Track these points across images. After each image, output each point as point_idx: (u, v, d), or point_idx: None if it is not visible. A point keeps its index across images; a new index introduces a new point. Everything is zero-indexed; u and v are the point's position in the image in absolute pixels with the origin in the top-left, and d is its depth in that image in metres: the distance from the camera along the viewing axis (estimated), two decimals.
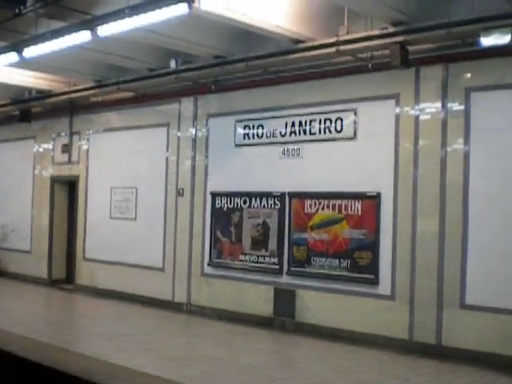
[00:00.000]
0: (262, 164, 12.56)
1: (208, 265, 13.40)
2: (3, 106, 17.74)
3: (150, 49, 12.75)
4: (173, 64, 12.87)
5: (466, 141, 9.95)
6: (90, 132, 16.50)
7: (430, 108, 10.35)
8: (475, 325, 9.69)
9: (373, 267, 10.88)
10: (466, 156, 9.95)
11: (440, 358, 9.80)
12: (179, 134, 14.17)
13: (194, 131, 13.87)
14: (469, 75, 9.97)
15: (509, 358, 9.24)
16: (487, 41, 9.10)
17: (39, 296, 16.25)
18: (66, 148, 17.13)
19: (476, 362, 9.41)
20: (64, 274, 17.57)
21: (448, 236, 10.06)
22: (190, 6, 8.77)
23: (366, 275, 10.98)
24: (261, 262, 12.46)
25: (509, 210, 9.52)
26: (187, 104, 13.99)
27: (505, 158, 9.59)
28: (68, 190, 17.61)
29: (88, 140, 16.57)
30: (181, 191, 14.01)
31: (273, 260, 12.27)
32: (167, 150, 14.41)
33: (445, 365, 9.49)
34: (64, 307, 15.14)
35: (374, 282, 10.86)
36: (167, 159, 14.38)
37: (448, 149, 10.13)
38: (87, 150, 16.59)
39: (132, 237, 15.12)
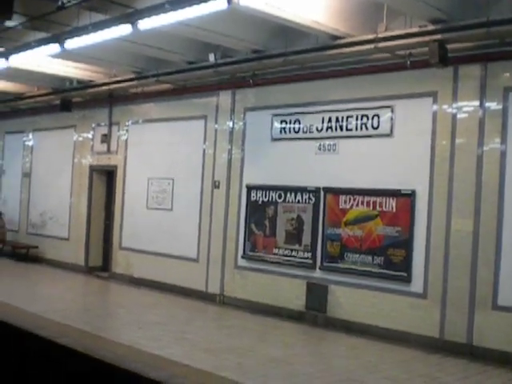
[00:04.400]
0: (297, 159, 12.61)
1: (242, 257, 13.51)
2: (45, 95, 18.06)
3: (189, 42, 12.85)
4: (212, 58, 12.97)
5: (503, 140, 9.88)
6: (129, 123, 16.71)
7: (468, 107, 10.30)
8: (507, 326, 9.63)
9: (406, 265, 10.88)
10: (503, 155, 9.88)
11: (470, 357, 9.78)
12: (216, 126, 14.28)
13: (231, 124, 13.97)
14: (508, 75, 9.89)
15: None
16: None
17: (76, 283, 16.52)
18: (105, 138, 17.37)
19: (507, 363, 9.37)
20: (100, 262, 17.84)
21: (482, 236, 10.01)
22: (230, 2, 8.83)
23: (398, 272, 10.98)
24: (294, 256, 12.53)
25: None
26: (225, 97, 14.10)
27: None
28: (106, 179, 17.86)
29: (127, 130, 16.78)
30: (217, 183, 14.13)
31: (306, 254, 12.33)
32: (204, 142, 14.53)
33: (475, 365, 9.47)
34: (99, 295, 15.39)
35: (407, 279, 10.85)
36: (204, 151, 14.52)
37: (485, 148, 10.07)
38: (126, 140, 16.81)
39: (168, 227, 15.30)
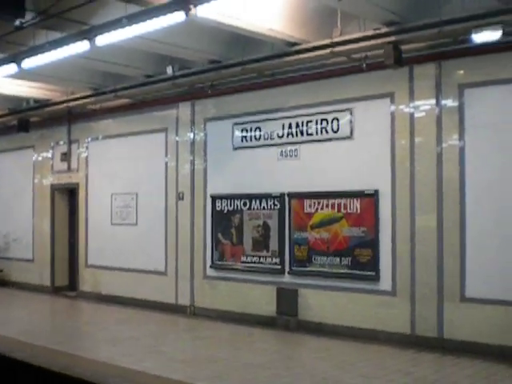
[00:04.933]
0: (260, 166, 12.72)
1: (210, 267, 13.55)
2: (1, 116, 17.85)
3: (145, 55, 12.90)
4: (169, 70, 12.97)
5: (461, 136, 10.13)
6: (89, 140, 16.65)
7: (425, 105, 10.53)
8: (476, 317, 9.86)
9: (373, 264, 11.05)
10: (462, 151, 10.12)
11: (442, 350, 9.97)
12: (177, 138, 14.33)
13: (192, 135, 14.03)
14: (462, 72, 10.15)
15: (510, 348, 9.43)
16: (479, 38, 9.28)
17: (43, 304, 16.34)
18: (65, 156, 17.28)
19: (478, 353, 9.58)
20: (67, 281, 17.70)
21: (446, 231, 10.23)
22: (187, 14, 8.90)
23: (366, 272, 11.14)
24: (262, 263, 12.61)
25: (504, 204, 9.69)
26: (185, 109, 14.15)
27: (499, 152, 9.76)
28: (68, 197, 17.75)
29: (87, 148, 16.73)
30: (181, 195, 14.16)
31: (274, 260, 12.43)
32: (166, 155, 14.56)
33: (447, 357, 9.65)
34: (69, 314, 15.24)
35: (375, 278, 11.02)
36: (166, 164, 14.54)
37: (443, 145, 10.30)
38: (86, 157, 16.74)
39: (134, 242, 15.27)
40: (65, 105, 15.88)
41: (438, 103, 10.37)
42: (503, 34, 9.08)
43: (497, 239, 9.77)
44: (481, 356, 9.48)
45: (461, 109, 10.13)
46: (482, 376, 8.58)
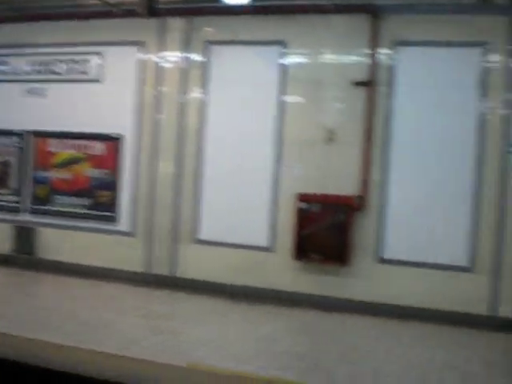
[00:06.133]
0: (4, 101, 12.39)
1: None
2: None
3: None
4: None
5: (204, 90, 10.80)
6: None
7: (173, 57, 11.04)
8: (206, 258, 10.74)
9: (113, 205, 11.45)
10: (204, 104, 10.81)
11: (175, 288, 10.69)
12: None
13: None
14: (210, 29, 10.77)
15: (232, 286, 10.46)
16: None
17: None
18: None
19: (209, 291, 10.44)
20: None
21: (185, 177, 10.92)
22: None
23: (106, 213, 11.51)
24: (1, 200, 12.40)
25: (239, 156, 10.57)
26: None
27: (240, 106, 10.57)
28: None
29: None
30: None
31: (14, 198, 12.29)
32: None
33: (179, 294, 10.41)
34: None
35: (114, 219, 11.44)
36: None
37: (187, 96, 10.92)
38: None
39: None
40: None
41: (185, 57, 10.91)
42: None
43: (229, 187, 10.64)
44: (210, 293, 10.34)
45: (205, 64, 10.78)
46: (208, 310, 9.45)
